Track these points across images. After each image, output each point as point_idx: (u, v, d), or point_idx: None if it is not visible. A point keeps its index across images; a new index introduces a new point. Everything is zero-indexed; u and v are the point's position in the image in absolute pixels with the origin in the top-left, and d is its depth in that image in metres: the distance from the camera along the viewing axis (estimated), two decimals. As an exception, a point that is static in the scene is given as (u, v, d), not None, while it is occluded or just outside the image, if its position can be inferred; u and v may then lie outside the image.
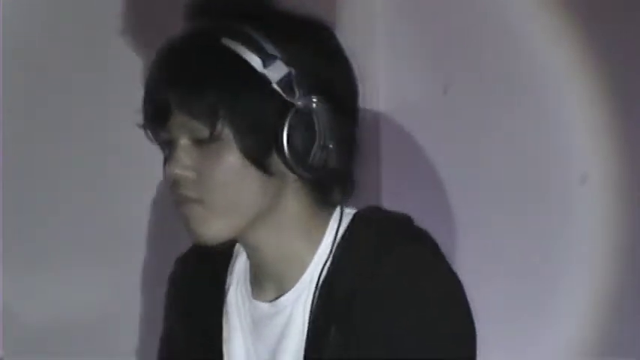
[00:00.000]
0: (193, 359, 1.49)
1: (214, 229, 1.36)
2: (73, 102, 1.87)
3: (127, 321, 1.94)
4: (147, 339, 1.92)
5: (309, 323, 1.38)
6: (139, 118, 1.37)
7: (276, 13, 1.39)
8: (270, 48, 1.33)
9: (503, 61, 2.11)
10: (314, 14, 1.40)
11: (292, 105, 1.33)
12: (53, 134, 1.86)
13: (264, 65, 1.33)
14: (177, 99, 1.33)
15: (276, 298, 1.42)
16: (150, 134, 1.38)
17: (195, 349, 1.48)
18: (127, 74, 1.79)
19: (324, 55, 1.38)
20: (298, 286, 1.40)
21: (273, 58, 1.33)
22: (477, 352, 1.36)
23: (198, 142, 1.34)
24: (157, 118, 1.36)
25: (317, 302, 1.38)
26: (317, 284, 1.38)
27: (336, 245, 1.39)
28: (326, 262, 1.39)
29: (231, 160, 1.33)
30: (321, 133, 1.34)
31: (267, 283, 1.44)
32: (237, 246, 1.50)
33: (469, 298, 1.37)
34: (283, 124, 1.32)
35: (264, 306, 1.43)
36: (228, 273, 1.50)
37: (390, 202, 2.05)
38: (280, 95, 1.32)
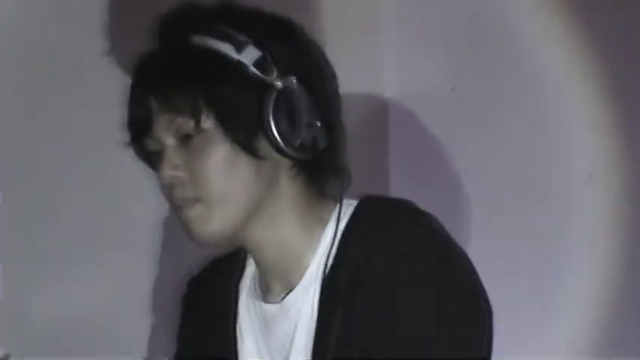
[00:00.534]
0: None
1: (215, 225, 1.36)
2: (73, 102, 1.87)
3: (130, 320, 1.93)
4: (149, 337, 1.93)
5: (317, 318, 1.37)
6: (124, 137, 1.40)
7: (240, 8, 1.40)
8: (239, 35, 1.35)
9: (509, 60, 2.12)
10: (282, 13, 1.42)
11: (272, 86, 1.33)
12: (53, 134, 1.86)
13: (238, 51, 1.34)
14: (159, 99, 1.35)
15: (285, 296, 1.41)
16: (137, 147, 1.40)
17: None
18: (128, 73, 1.80)
19: (293, 41, 1.39)
20: (304, 281, 1.40)
21: (245, 43, 1.34)
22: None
23: (185, 140, 1.35)
24: (141, 124, 1.37)
25: (323, 296, 1.37)
26: (323, 278, 1.37)
27: (339, 237, 1.38)
28: (329, 254, 1.38)
29: (220, 150, 1.34)
30: (305, 112, 1.35)
31: (275, 283, 1.43)
32: (248, 259, 1.50)
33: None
34: (266, 105, 1.33)
35: (273, 308, 1.42)
36: (240, 286, 1.49)
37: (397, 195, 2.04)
38: (259, 77, 1.33)
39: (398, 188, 2.22)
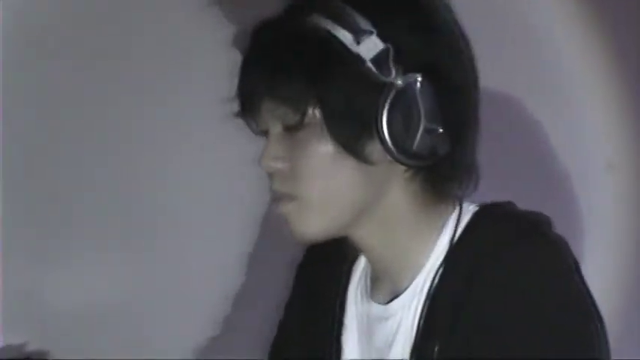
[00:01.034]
0: (308, 349, 1.40)
1: (313, 227, 1.26)
2: (73, 102, 1.85)
3: (139, 310, 1.91)
4: (157, 329, 1.92)
5: (416, 333, 1.26)
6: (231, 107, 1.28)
7: None
8: (363, 22, 1.21)
9: (527, 50, 2.11)
10: None
11: (391, 84, 1.19)
12: (53, 133, 1.85)
13: (357, 42, 1.20)
14: (266, 84, 1.23)
15: (391, 300, 1.31)
16: (247, 122, 1.29)
17: (311, 340, 1.40)
18: (128, 73, 1.81)
19: (425, 29, 1.24)
20: (410, 290, 1.28)
21: (367, 33, 1.20)
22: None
23: (292, 130, 1.24)
24: (247, 105, 1.26)
25: (425, 312, 1.25)
26: (429, 291, 1.26)
27: (452, 247, 1.26)
28: (441, 265, 1.26)
29: (324, 149, 1.22)
30: (426, 115, 1.20)
31: (384, 282, 1.33)
32: None
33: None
34: (380, 107, 1.19)
35: (378, 308, 1.32)
36: (353, 270, 1.40)
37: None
38: (376, 75, 1.20)
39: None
